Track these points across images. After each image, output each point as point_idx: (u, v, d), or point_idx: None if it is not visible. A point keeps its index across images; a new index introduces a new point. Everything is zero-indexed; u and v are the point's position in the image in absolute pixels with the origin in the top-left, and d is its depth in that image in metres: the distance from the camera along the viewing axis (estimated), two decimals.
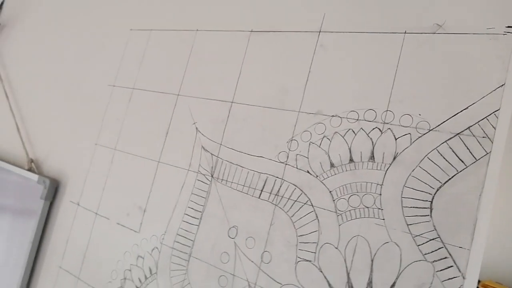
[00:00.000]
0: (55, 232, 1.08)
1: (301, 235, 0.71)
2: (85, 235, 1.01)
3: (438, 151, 0.63)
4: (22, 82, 1.35)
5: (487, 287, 2.16)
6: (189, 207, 0.85)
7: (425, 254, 0.60)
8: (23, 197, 1.16)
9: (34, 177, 1.11)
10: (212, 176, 0.84)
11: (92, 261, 0.98)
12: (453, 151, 0.62)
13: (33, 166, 1.17)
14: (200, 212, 0.84)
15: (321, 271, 0.68)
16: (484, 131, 0.60)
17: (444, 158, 0.62)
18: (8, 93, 1.33)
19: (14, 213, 1.18)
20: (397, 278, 0.62)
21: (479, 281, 2.17)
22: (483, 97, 0.61)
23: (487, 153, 0.59)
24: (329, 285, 0.67)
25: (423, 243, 0.61)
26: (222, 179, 0.83)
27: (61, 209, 1.09)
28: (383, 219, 0.65)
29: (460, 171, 0.61)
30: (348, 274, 0.65)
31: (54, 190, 1.10)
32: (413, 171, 0.64)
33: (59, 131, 1.17)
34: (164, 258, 0.86)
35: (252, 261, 0.75)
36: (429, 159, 0.63)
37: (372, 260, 0.64)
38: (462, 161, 0.61)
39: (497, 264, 2.28)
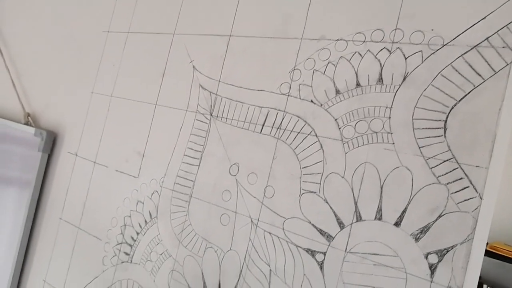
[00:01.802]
0: (55, 184, 1.05)
1: (305, 167, 0.67)
2: (84, 185, 0.98)
3: (453, 67, 0.57)
4: (15, 36, 1.30)
5: (496, 249, 2.12)
6: (188, 148, 0.82)
7: (438, 177, 0.56)
8: (24, 153, 1.13)
9: (31, 130, 1.08)
10: (211, 114, 0.80)
11: (92, 210, 0.95)
12: (469, 65, 0.56)
13: (30, 120, 1.14)
14: (200, 152, 0.80)
15: (327, 202, 0.64)
16: (504, 41, 0.55)
17: (459, 73, 0.57)
18: (2, 49, 1.28)
19: (15, 169, 1.16)
20: (408, 204, 0.58)
21: (487, 243, 2.13)
22: (504, 3, 0.56)
23: (508, 64, 0.54)
24: (336, 215, 0.63)
25: (437, 165, 0.56)
26: (221, 117, 0.78)
27: (59, 161, 1.06)
28: (393, 144, 0.60)
29: (477, 86, 0.55)
30: (355, 203, 0.62)
31: (51, 142, 1.07)
32: (425, 90, 0.59)
33: (55, 83, 1.13)
34: (164, 201, 0.82)
35: (254, 197, 0.71)
36: (443, 76, 0.58)
37: (381, 187, 0.60)
38: (480, 75, 0.55)
39: (506, 226, 2.24)
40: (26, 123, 1.13)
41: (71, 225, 0.99)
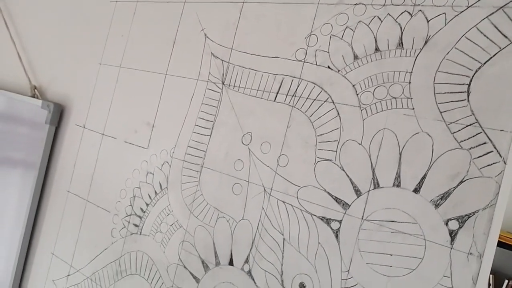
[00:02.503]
0: (62, 157, 1.04)
1: (320, 135, 0.66)
2: (92, 157, 0.97)
3: (478, 29, 0.55)
4: (21, 8, 1.28)
5: (500, 237, 2.10)
6: (199, 117, 0.80)
7: (460, 142, 0.54)
8: (30, 135, 1.12)
9: (38, 102, 1.07)
10: (223, 83, 0.78)
11: (100, 183, 0.94)
12: (495, 26, 0.54)
13: (37, 93, 1.12)
14: (212, 121, 0.78)
15: (343, 170, 0.63)
16: None
17: (484, 35, 0.55)
18: (8, 22, 1.26)
19: (21, 151, 1.15)
20: (428, 170, 0.56)
21: None
22: None
23: None
24: (352, 183, 0.61)
25: (459, 130, 0.55)
26: (234, 86, 0.77)
27: (67, 134, 1.04)
28: (413, 109, 0.58)
29: (503, 48, 0.53)
30: (373, 170, 0.60)
31: (58, 114, 1.05)
32: (448, 53, 0.57)
33: (62, 55, 1.11)
34: (174, 171, 0.81)
35: (267, 166, 0.70)
36: (467, 38, 0.56)
37: (400, 153, 0.58)
38: (506, 37, 0.53)
39: (508, 213, 2.21)
40: (33, 96, 1.12)
41: (79, 198, 0.98)
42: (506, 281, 2.12)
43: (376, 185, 0.60)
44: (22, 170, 1.12)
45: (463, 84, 0.55)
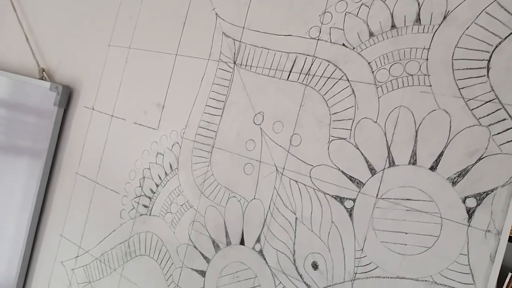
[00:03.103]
0: (71, 139, 1.04)
1: (335, 113, 0.65)
2: (101, 139, 0.97)
3: (499, 3, 0.54)
4: None
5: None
6: (210, 98, 0.79)
7: (479, 118, 0.53)
8: (38, 123, 1.12)
9: (47, 84, 1.06)
10: (234, 63, 0.77)
11: (109, 164, 0.94)
12: None
13: (45, 75, 1.11)
14: (223, 101, 0.77)
15: (358, 148, 0.62)
16: None
17: (505, 10, 0.53)
18: (15, 4, 1.25)
19: (31, 129, 1.15)
20: (445, 147, 0.55)
21: None
22: None
23: None
24: (367, 161, 0.61)
25: (478, 107, 0.54)
26: (245, 65, 0.76)
27: (75, 116, 1.04)
28: (430, 86, 0.57)
29: None
30: (388, 148, 0.59)
31: (67, 96, 1.05)
32: (467, 29, 0.56)
33: (70, 37, 1.11)
34: (185, 152, 0.81)
35: (280, 146, 0.69)
36: (487, 13, 0.55)
37: (416, 131, 0.58)
38: None
39: None
40: (41, 78, 1.11)
41: (88, 180, 0.98)
42: (510, 273, 2.10)
43: (392, 163, 0.59)
44: (31, 154, 1.12)
45: (483, 60, 0.54)
